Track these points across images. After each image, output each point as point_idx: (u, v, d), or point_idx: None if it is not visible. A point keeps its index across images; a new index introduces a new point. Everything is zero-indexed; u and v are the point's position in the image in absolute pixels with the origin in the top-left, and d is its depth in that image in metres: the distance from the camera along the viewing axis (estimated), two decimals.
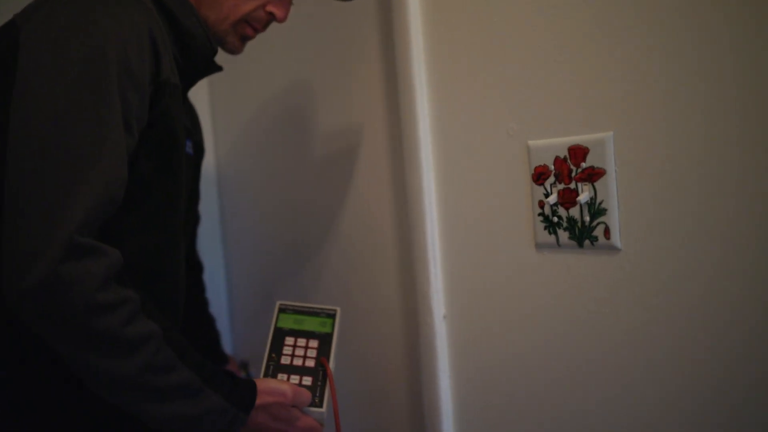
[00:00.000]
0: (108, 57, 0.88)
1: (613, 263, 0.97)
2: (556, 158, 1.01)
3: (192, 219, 1.34)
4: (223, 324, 1.85)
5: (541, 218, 1.04)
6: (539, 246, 1.06)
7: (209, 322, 1.57)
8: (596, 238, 0.98)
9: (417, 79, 1.20)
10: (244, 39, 1.14)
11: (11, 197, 0.84)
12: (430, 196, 1.21)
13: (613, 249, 0.96)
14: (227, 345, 1.88)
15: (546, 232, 1.04)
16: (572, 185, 1.00)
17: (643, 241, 0.94)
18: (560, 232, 1.02)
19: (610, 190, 0.96)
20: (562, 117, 1.01)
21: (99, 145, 0.87)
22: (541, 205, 1.04)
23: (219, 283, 1.88)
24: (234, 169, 1.81)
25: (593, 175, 0.97)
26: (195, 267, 1.52)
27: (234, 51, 1.15)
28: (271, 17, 1.12)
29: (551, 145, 1.02)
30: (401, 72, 1.22)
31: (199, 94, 1.79)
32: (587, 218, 0.98)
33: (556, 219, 1.02)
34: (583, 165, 0.98)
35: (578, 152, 0.98)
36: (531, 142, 1.05)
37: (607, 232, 0.96)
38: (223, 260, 1.89)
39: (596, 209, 0.97)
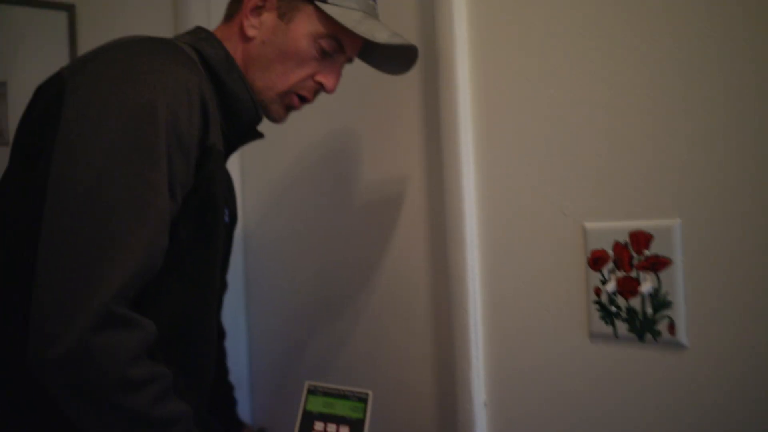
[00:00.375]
0: (157, 115, 0.84)
1: (677, 362, 0.89)
2: (616, 243, 0.94)
3: (221, 287, 1.30)
4: (243, 391, 1.77)
5: (597, 306, 0.97)
6: (594, 336, 0.98)
7: (228, 389, 1.52)
8: (659, 333, 0.90)
9: (463, 147, 1.14)
10: (290, 109, 1.10)
11: (45, 257, 0.80)
12: (474, 272, 1.14)
13: (679, 346, 0.88)
14: (246, 412, 1.80)
15: (602, 321, 0.96)
16: (633, 273, 0.92)
17: (712, 340, 0.86)
18: (618, 322, 0.94)
19: (677, 282, 0.88)
20: (623, 199, 0.94)
21: (142, 209, 0.82)
22: (598, 292, 0.97)
23: (240, 350, 1.80)
24: (260, 235, 1.75)
25: (657, 264, 0.90)
26: (218, 334, 1.46)
27: (277, 120, 1.11)
28: (320, 87, 1.08)
29: (610, 228, 0.95)
30: (446, 138, 1.16)
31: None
32: (650, 310, 0.91)
33: (614, 308, 0.95)
34: (646, 252, 0.91)
35: (641, 238, 0.91)
36: (587, 224, 0.98)
37: (671, 327, 0.89)
38: (246, 325, 1.82)
39: (660, 301, 0.89)
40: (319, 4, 1.03)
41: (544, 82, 1.04)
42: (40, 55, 1.62)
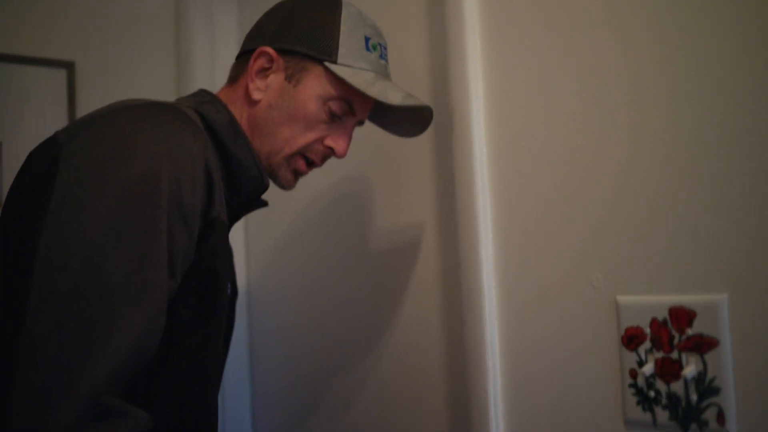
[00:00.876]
0: (159, 187, 0.78)
1: None
2: (653, 320, 0.85)
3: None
4: None
5: (632, 390, 0.87)
6: (630, 424, 0.88)
7: None
8: (706, 423, 0.80)
9: (481, 210, 1.06)
10: (298, 174, 1.03)
11: (29, 340, 0.72)
12: (494, 349, 1.04)
13: None
14: None
15: (639, 407, 0.86)
16: (674, 354, 0.83)
17: None
18: (658, 409, 0.85)
19: (725, 365, 0.79)
20: (662, 271, 0.85)
21: (139, 289, 0.76)
22: (633, 374, 0.87)
23: (244, 414, 1.70)
24: (266, 289, 1.66)
25: (702, 344, 0.80)
26: None
27: (285, 187, 1.04)
28: (330, 152, 1.02)
29: (647, 303, 0.86)
30: (461, 206, 1.09)
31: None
32: (694, 397, 0.81)
33: (652, 393, 0.85)
34: (689, 332, 0.82)
35: (682, 315, 0.82)
36: (621, 298, 0.89)
37: (720, 416, 0.79)
38: (250, 385, 1.72)
39: (707, 387, 0.80)
40: (328, 65, 0.97)
41: (569, 137, 0.96)
42: (38, 114, 1.56)
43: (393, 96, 0.98)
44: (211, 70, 1.72)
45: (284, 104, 0.98)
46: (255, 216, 1.67)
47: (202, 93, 1.00)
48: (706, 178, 0.81)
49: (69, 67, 1.58)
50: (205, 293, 0.87)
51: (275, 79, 0.99)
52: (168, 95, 1.64)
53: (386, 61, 1.04)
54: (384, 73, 1.03)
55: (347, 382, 1.38)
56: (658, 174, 0.86)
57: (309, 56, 0.98)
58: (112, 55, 1.66)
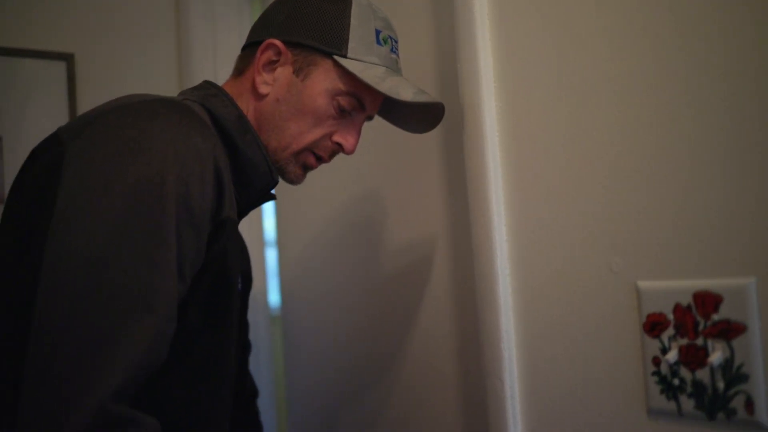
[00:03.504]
0: (167, 189, 0.76)
1: None
2: (677, 306, 0.82)
3: (243, 349, 1.19)
4: None
5: (656, 378, 0.84)
6: (653, 413, 0.85)
7: None
8: (734, 411, 0.77)
9: (493, 195, 1.03)
10: (307, 169, 1.01)
11: (36, 349, 0.71)
12: (509, 338, 1.02)
13: (758, 428, 0.76)
14: None
15: (663, 396, 0.84)
16: (699, 341, 0.80)
17: None
18: (683, 398, 0.82)
19: (753, 351, 0.76)
20: (685, 254, 0.82)
21: (148, 295, 0.74)
22: (657, 362, 0.84)
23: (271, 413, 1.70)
24: (296, 294, 1.65)
25: (729, 330, 0.77)
26: (250, 392, 1.36)
27: (294, 181, 1.02)
28: (338, 148, 1.00)
29: (670, 288, 0.83)
30: (473, 193, 1.05)
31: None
32: (721, 384, 0.78)
33: (677, 381, 0.82)
34: (715, 317, 0.79)
35: (708, 300, 0.79)
36: (641, 283, 0.86)
37: (749, 405, 0.76)
38: (285, 389, 1.72)
39: (734, 374, 0.77)
40: (338, 59, 0.95)
41: (584, 119, 0.93)
42: (38, 107, 1.53)
43: (404, 92, 0.95)
44: (213, 62, 1.70)
45: (292, 99, 0.96)
46: (285, 221, 1.67)
47: (208, 85, 0.98)
48: (732, 154, 0.78)
49: (68, 59, 1.56)
50: (216, 296, 0.85)
51: (283, 72, 0.96)
52: (169, 87, 1.62)
53: (397, 55, 1.01)
54: (395, 68, 1.00)
55: (368, 375, 1.38)
56: (679, 152, 0.82)
57: (318, 49, 0.95)
58: (112, 47, 1.63)
